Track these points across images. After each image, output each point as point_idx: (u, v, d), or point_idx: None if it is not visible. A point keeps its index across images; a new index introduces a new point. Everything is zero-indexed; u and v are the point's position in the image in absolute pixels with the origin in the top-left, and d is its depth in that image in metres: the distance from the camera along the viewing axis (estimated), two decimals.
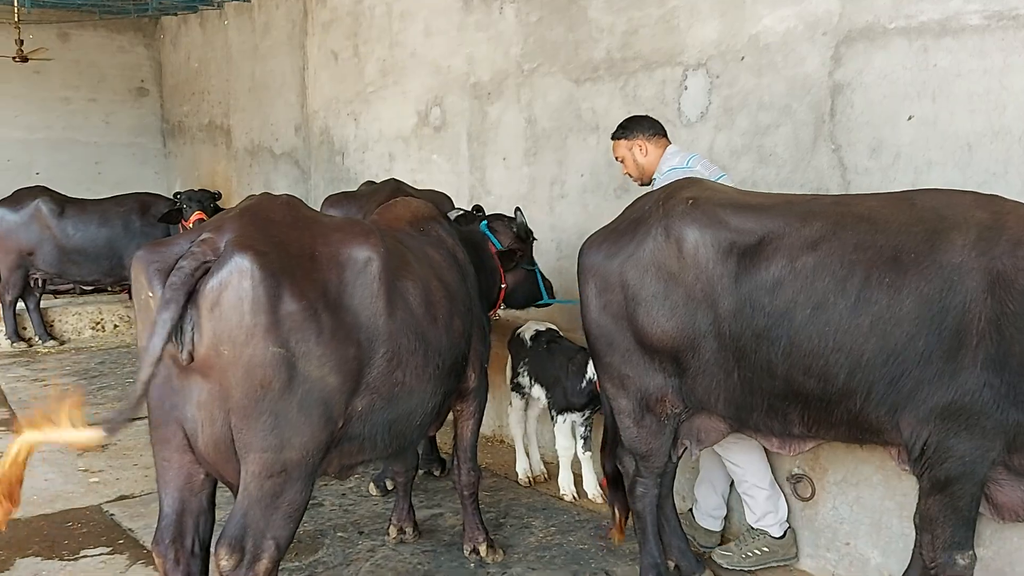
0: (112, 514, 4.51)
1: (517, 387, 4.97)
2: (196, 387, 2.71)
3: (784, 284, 2.83)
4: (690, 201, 3.07)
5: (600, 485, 4.70)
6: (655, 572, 3.40)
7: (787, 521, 3.84)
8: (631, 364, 3.20)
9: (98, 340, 9.05)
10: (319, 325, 2.76)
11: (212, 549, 2.86)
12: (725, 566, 3.83)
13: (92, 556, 4.03)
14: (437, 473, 5.04)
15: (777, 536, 3.80)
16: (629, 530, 3.65)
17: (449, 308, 3.42)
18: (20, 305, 8.64)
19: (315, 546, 4.11)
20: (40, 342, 8.65)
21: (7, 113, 13.30)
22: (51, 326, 8.87)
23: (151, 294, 2.69)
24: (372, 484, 4.77)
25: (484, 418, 5.86)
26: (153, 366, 2.54)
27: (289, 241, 2.87)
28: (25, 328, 8.72)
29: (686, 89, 5.29)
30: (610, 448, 3.60)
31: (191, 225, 7.86)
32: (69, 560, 3.99)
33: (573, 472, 4.75)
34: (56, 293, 9.51)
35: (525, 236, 4.85)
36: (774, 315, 2.84)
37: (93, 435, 2.57)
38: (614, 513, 3.67)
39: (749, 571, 3.81)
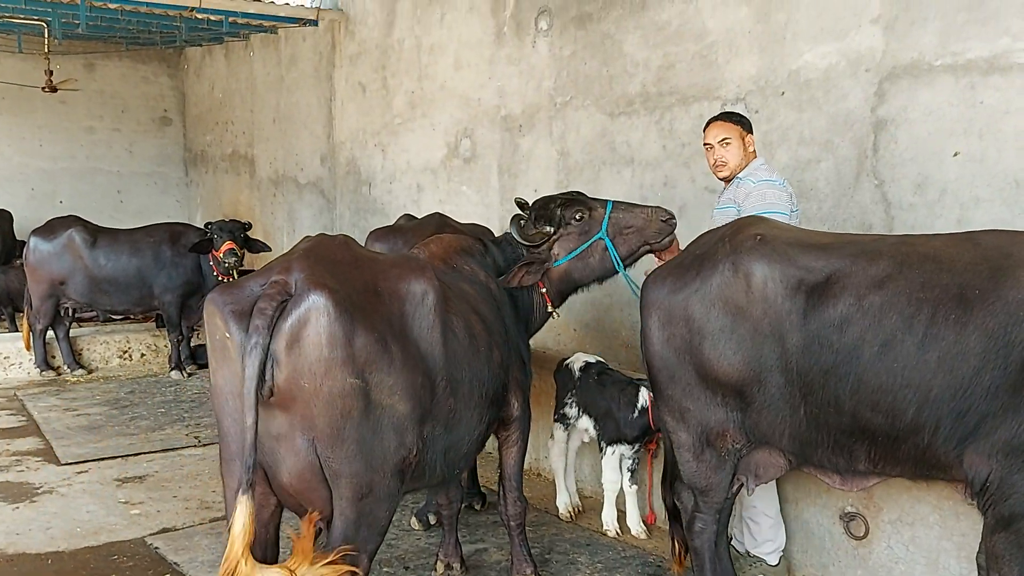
0: (156, 547, 4.51)
1: (562, 418, 4.94)
2: (276, 420, 2.85)
3: (852, 321, 2.86)
4: (759, 237, 3.10)
5: (645, 521, 4.70)
6: None
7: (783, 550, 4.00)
8: (693, 398, 3.21)
9: (126, 369, 9.08)
10: (390, 356, 2.94)
11: None
12: None
13: None
14: (478, 507, 5.03)
15: (773, 564, 3.96)
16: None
17: (488, 340, 3.59)
18: (49, 334, 8.68)
19: None
20: (69, 371, 8.68)
21: (32, 143, 13.46)
22: (79, 355, 8.91)
23: (228, 335, 2.80)
24: (414, 518, 4.76)
25: None
26: (255, 408, 2.69)
27: (353, 278, 3.04)
28: (54, 357, 8.76)
29: None
30: (670, 482, 3.59)
31: (221, 255, 7.91)
32: None
33: (616, 508, 4.73)
34: (80, 321, 9.56)
35: (529, 237, 4.19)
36: (842, 352, 2.87)
37: None
38: (674, 546, 3.66)
39: None
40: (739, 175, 4.11)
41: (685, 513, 3.47)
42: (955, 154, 4.13)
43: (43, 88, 11.81)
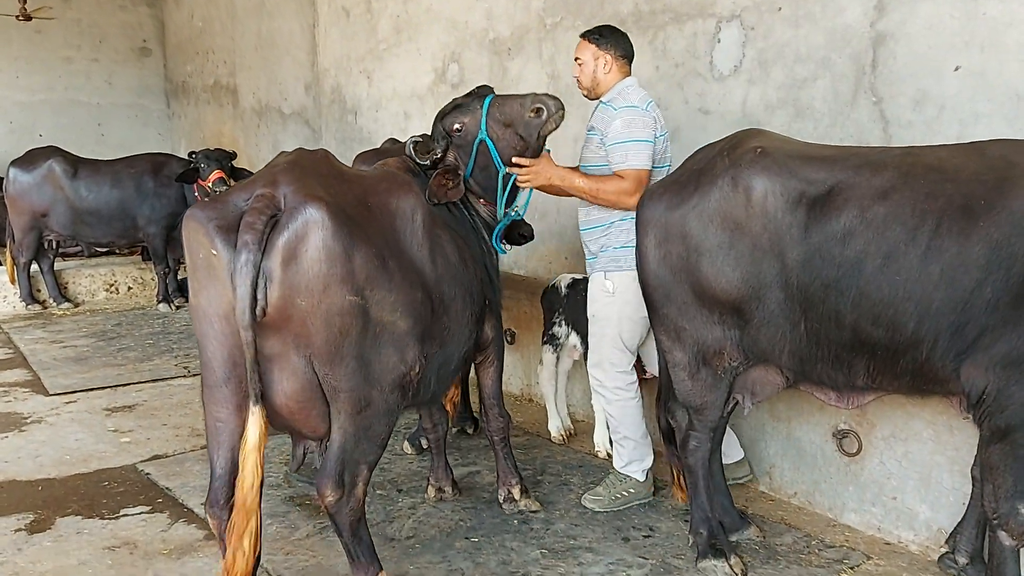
0: (148, 473, 4.50)
1: (551, 339, 4.90)
2: (268, 341, 2.73)
3: (855, 234, 2.79)
4: (759, 150, 3.02)
5: None
6: (707, 527, 3.39)
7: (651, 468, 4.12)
8: (688, 317, 3.16)
9: (112, 302, 9.00)
10: (388, 272, 2.87)
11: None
12: (598, 509, 4.01)
13: (132, 515, 4.02)
14: (471, 431, 5.03)
15: (641, 480, 4.07)
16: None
17: (469, 258, 3.56)
18: (34, 268, 8.56)
19: None
20: (55, 304, 8.60)
21: (9, 75, 13.11)
22: (65, 288, 8.81)
23: (214, 252, 2.66)
24: (407, 443, 4.76)
25: (513, 377, 5.90)
26: (251, 326, 2.60)
27: (343, 192, 2.92)
28: (39, 290, 8.66)
29: (719, 42, 5.18)
30: (664, 403, 3.57)
31: (210, 184, 7.77)
32: (110, 519, 3.97)
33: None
34: (66, 256, 9.43)
35: (423, 157, 3.82)
36: (844, 265, 2.81)
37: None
38: (671, 469, 3.66)
39: (617, 511, 4.01)
40: (603, 98, 3.98)
41: (679, 432, 3.45)
42: (956, 68, 4.02)
43: (16, 16, 11.47)
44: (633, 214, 3.90)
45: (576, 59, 4.13)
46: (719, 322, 3.12)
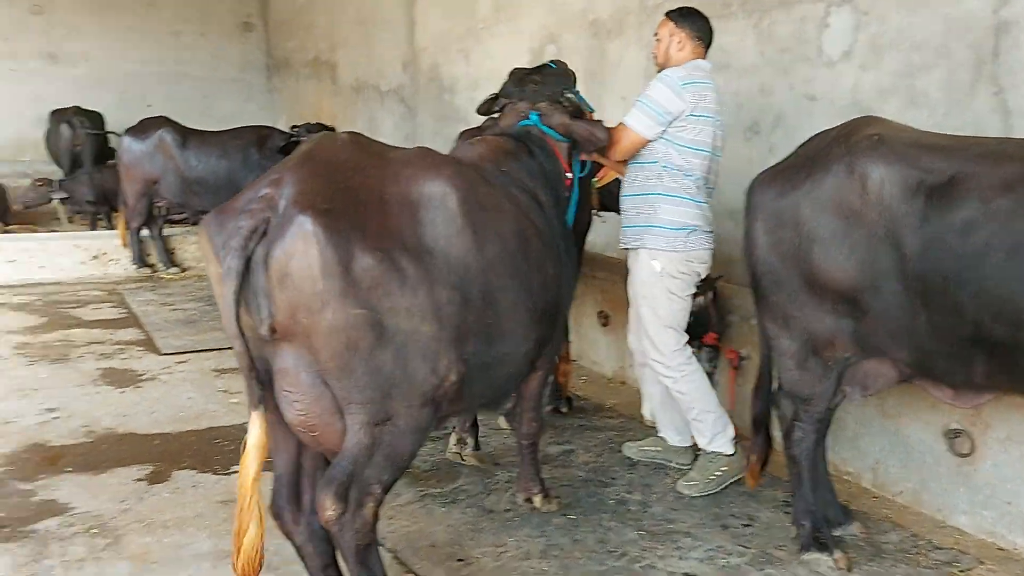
0: None
1: None
2: (280, 355, 2.57)
3: (976, 226, 2.73)
4: (875, 138, 2.98)
5: None
6: (810, 519, 3.38)
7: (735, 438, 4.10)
8: (798, 305, 3.15)
9: None
10: (401, 275, 2.58)
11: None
12: (694, 495, 4.01)
13: None
14: (564, 410, 5.09)
15: (730, 453, 4.05)
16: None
17: (541, 251, 3.26)
18: (144, 232, 8.96)
19: (454, 474, 4.22)
20: (163, 268, 8.99)
21: (122, 45, 13.65)
22: (172, 253, 9.20)
23: (218, 268, 2.51)
24: (502, 417, 4.84)
25: (607, 359, 5.94)
26: (239, 340, 2.47)
27: (355, 186, 2.64)
28: (149, 255, 9.07)
29: (828, 26, 5.08)
30: (761, 390, 3.56)
31: None
32: (222, 475, 4.18)
33: None
34: (172, 222, 9.82)
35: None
36: (965, 257, 2.74)
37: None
38: (749, 458, 3.65)
39: (714, 497, 4.00)
40: (670, 70, 4.04)
41: (783, 422, 3.44)
42: None
43: None
44: (681, 192, 3.99)
45: (655, 35, 4.26)
46: (831, 311, 3.09)
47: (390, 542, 3.54)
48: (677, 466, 4.33)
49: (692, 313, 4.41)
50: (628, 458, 4.46)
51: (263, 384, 2.59)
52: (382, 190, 2.69)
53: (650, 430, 4.69)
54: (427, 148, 3.14)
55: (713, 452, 4.08)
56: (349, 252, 2.48)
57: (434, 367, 2.68)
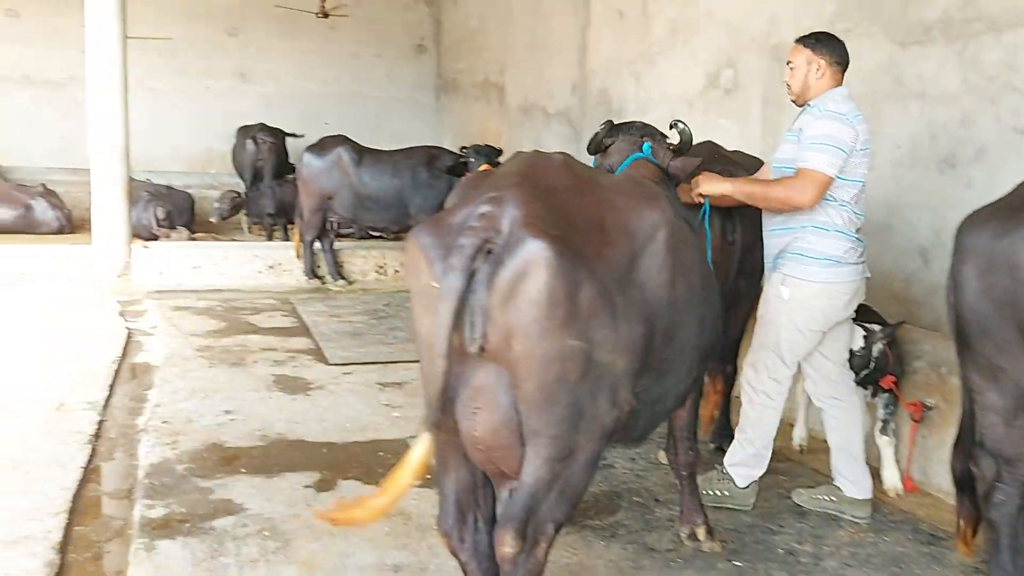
0: None
1: None
2: (479, 372, 2.51)
3: None
4: None
5: (904, 485, 4.40)
6: None
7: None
8: (1010, 356, 2.86)
9: (381, 283, 9.67)
10: (613, 308, 2.54)
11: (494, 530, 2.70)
12: (809, 507, 4.16)
13: None
14: (727, 446, 4.87)
15: (741, 487, 4.13)
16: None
17: (712, 286, 3.25)
18: (316, 246, 9.37)
19: (612, 508, 4.12)
20: (332, 281, 9.36)
21: (306, 67, 14.45)
22: (341, 267, 9.56)
23: (435, 284, 2.43)
24: (661, 452, 4.70)
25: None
26: (445, 359, 2.39)
27: (574, 211, 2.61)
28: (319, 267, 9.47)
29: None
30: (963, 446, 3.27)
31: None
32: None
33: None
34: (340, 237, 10.24)
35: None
36: None
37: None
38: (959, 523, 3.35)
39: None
40: (811, 103, 3.94)
41: (982, 482, 3.14)
42: None
43: (317, 13, 12.58)
44: (830, 224, 3.86)
45: (788, 63, 4.08)
46: None
47: (549, 573, 3.46)
48: (851, 519, 4.07)
49: (870, 358, 4.26)
50: (798, 505, 4.22)
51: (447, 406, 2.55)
52: (601, 218, 2.66)
53: (819, 477, 4.44)
54: (635, 176, 3.21)
55: (728, 473, 4.14)
56: (576, 281, 2.42)
57: (615, 400, 2.62)
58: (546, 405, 2.48)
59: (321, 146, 9.20)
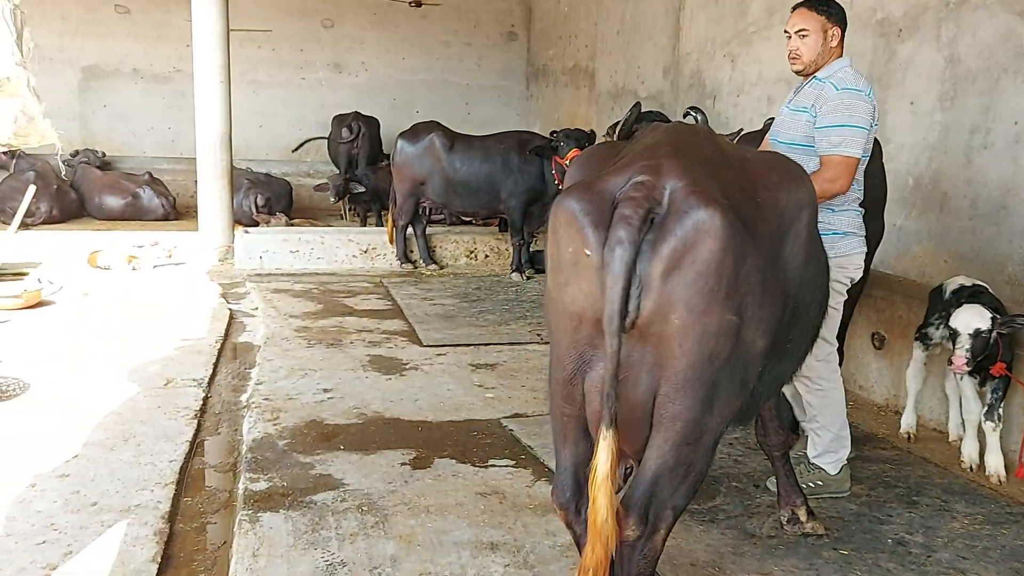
0: (511, 429, 4.77)
1: (923, 337, 4.72)
2: (624, 347, 2.38)
3: None
4: None
5: (1017, 473, 4.20)
6: None
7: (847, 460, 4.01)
8: None
9: (471, 267, 9.73)
10: (764, 285, 2.47)
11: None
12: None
13: (499, 466, 4.28)
14: None
15: (833, 473, 3.99)
16: None
17: (827, 263, 3.19)
18: (409, 231, 9.48)
19: (711, 492, 4.03)
20: (424, 265, 9.46)
21: (396, 56, 14.63)
22: (433, 251, 9.66)
23: (587, 250, 2.35)
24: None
25: (878, 385, 5.48)
26: (618, 336, 2.28)
27: (730, 184, 2.52)
28: (412, 251, 9.58)
29: None
30: None
31: (567, 162, 8.07)
32: (480, 467, 4.26)
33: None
34: (432, 222, 10.33)
35: None
36: None
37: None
38: None
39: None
40: (819, 75, 3.77)
41: None
42: None
43: (409, 3, 12.71)
44: (839, 200, 3.76)
45: (800, 31, 3.81)
46: None
47: None
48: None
49: (989, 342, 4.12)
50: (907, 494, 4.05)
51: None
52: (754, 192, 2.58)
53: (954, 479, 4.28)
54: (779, 153, 3.19)
55: (815, 465, 4.01)
56: (743, 254, 2.35)
57: (746, 382, 2.56)
58: (691, 386, 2.38)
59: (414, 132, 9.29)
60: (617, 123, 3.92)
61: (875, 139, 5.02)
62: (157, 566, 3.27)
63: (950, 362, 4.13)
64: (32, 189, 7.07)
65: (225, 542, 3.56)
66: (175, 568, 3.37)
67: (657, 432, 2.46)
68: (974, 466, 4.34)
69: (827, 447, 3.99)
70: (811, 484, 3.96)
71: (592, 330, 2.42)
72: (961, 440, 4.50)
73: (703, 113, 4.03)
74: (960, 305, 4.29)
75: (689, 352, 2.36)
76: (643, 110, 3.93)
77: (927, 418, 5.02)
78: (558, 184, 8.43)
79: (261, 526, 3.56)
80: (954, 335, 4.13)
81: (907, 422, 4.84)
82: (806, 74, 3.85)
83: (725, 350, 2.39)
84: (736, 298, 2.36)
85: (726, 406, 2.51)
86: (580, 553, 2.79)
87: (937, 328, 4.62)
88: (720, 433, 2.59)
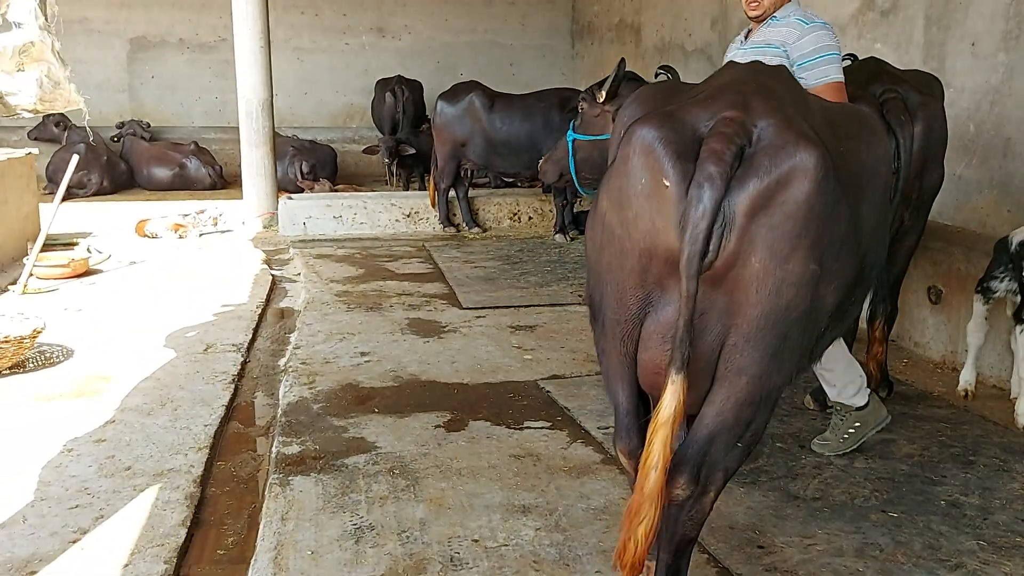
0: (548, 391, 4.67)
1: (985, 291, 4.46)
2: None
3: None
4: None
5: None
6: None
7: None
8: None
9: (515, 230, 9.59)
10: (844, 239, 2.33)
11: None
12: (828, 454, 3.85)
13: (535, 428, 4.18)
14: (884, 395, 4.52)
15: (862, 404, 3.83)
16: None
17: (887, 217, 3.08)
18: (451, 194, 9.37)
19: (755, 453, 3.85)
20: (467, 228, 9.36)
21: (438, 18, 14.44)
22: (476, 214, 9.54)
23: (666, 183, 2.18)
24: (809, 396, 4.41)
25: (934, 341, 5.24)
26: (696, 280, 2.13)
27: (819, 128, 2.35)
28: (455, 215, 9.48)
29: None
30: None
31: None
32: (515, 429, 4.17)
33: None
34: (475, 185, 10.20)
35: None
36: None
37: None
38: None
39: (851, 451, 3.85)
40: (777, 15, 3.76)
41: None
42: None
43: None
44: None
45: None
46: None
47: None
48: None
49: None
50: (963, 454, 3.85)
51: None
52: (837, 141, 2.42)
53: (1014, 437, 4.04)
54: (854, 105, 3.09)
55: (841, 405, 3.86)
56: (835, 200, 2.23)
57: (811, 341, 2.41)
58: (763, 338, 2.24)
59: (453, 93, 9.14)
60: (603, 82, 3.81)
61: (936, 79, 4.78)
62: (186, 530, 3.26)
63: None
64: (75, 159, 7.09)
65: (256, 506, 3.53)
66: (204, 531, 3.36)
67: (719, 386, 2.32)
68: None
69: (841, 381, 3.83)
70: (850, 432, 3.84)
71: (662, 269, 2.26)
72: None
73: (675, 71, 3.91)
74: None
75: (765, 300, 2.21)
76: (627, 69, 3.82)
77: (987, 375, 4.78)
78: None
79: (291, 489, 3.53)
80: None
81: (965, 379, 4.62)
82: (763, 19, 3.82)
83: (803, 302, 2.23)
84: (820, 247, 2.22)
85: (792, 364, 2.36)
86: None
87: (1002, 281, 4.39)
88: (779, 395, 2.44)
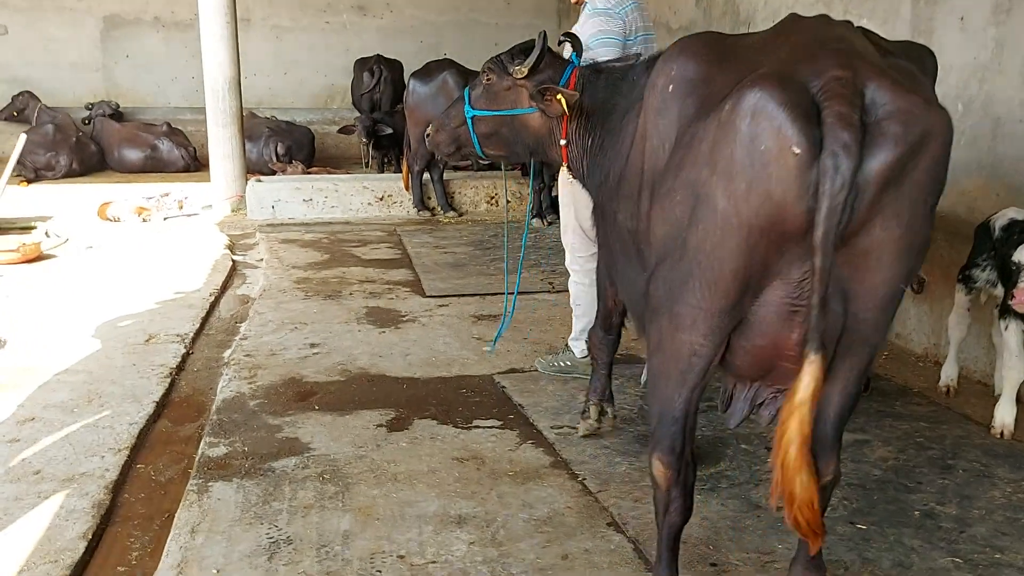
0: (503, 386, 4.39)
1: (966, 280, 4.17)
2: (807, 265, 2.10)
3: None
4: None
5: None
6: None
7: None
8: None
9: (492, 214, 9.27)
10: (933, 208, 2.20)
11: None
12: (540, 370, 4.57)
13: (483, 427, 3.91)
14: (863, 391, 4.23)
15: (578, 356, 4.46)
16: None
17: None
18: (425, 177, 9.04)
19: (716, 456, 3.61)
20: (442, 212, 9.04)
21: None
22: (451, 197, 9.22)
23: (796, 150, 2.00)
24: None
25: (916, 333, 4.96)
26: (829, 257, 2.01)
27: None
28: (430, 198, 9.16)
29: None
30: None
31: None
32: (462, 428, 3.89)
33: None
34: (456, 168, 9.85)
35: None
36: None
37: None
38: None
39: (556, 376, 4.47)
40: (588, 5, 4.24)
41: None
42: None
43: None
44: None
45: None
46: None
47: (632, 529, 3.03)
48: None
49: None
50: (941, 459, 3.57)
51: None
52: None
53: (997, 440, 3.76)
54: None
55: (569, 347, 4.54)
56: (947, 165, 2.13)
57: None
58: (888, 306, 2.21)
59: (426, 71, 8.80)
60: (515, 53, 3.52)
61: (930, 52, 4.45)
62: (86, 543, 2.98)
63: (1012, 296, 3.64)
64: (23, 139, 6.77)
65: (171, 514, 3.24)
66: (108, 544, 3.08)
67: (843, 360, 2.24)
68: (1006, 432, 3.81)
69: (578, 335, 4.44)
70: (563, 364, 4.51)
71: (775, 246, 2.11)
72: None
73: (576, 37, 3.66)
74: (1018, 238, 3.78)
75: (894, 264, 2.13)
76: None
77: (971, 370, 4.50)
78: None
79: (209, 497, 3.24)
80: (1019, 269, 3.66)
81: (947, 374, 4.35)
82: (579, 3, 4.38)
83: (917, 265, 2.20)
84: (933, 210, 2.15)
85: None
86: (664, 519, 2.51)
87: (983, 270, 4.10)
88: None
